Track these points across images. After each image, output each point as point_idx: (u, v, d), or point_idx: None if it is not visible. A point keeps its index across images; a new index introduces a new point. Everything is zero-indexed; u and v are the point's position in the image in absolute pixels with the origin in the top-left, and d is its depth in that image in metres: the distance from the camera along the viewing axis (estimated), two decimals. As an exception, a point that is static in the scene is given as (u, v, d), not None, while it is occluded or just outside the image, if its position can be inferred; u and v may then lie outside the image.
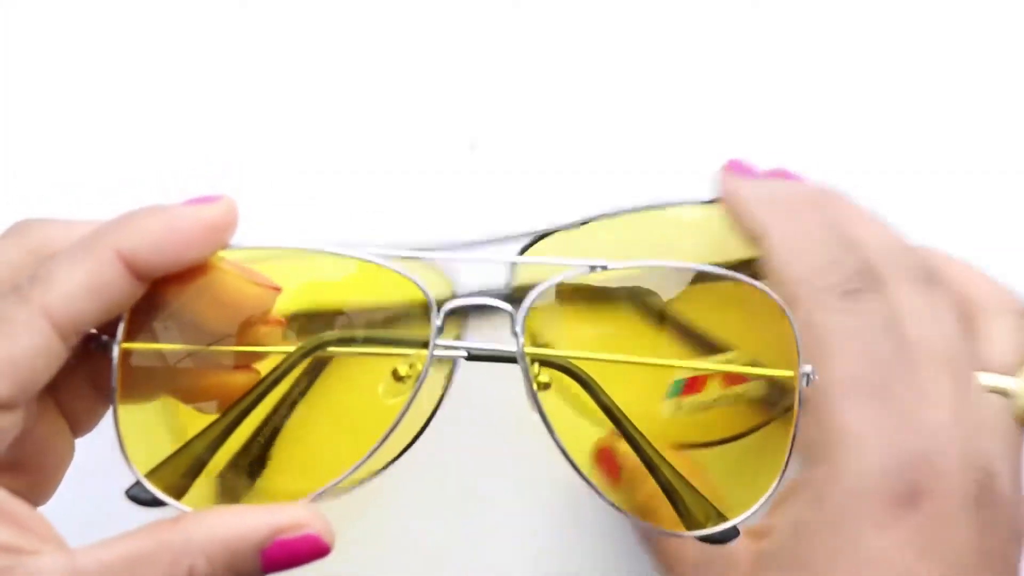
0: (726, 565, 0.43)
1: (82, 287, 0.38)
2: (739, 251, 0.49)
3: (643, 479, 0.44)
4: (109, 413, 0.42)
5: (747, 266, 0.49)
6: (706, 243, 0.50)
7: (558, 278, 0.43)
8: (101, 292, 0.39)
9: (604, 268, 0.44)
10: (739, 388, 0.46)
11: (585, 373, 0.44)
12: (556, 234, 0.50)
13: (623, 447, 0.44)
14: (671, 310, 0.45)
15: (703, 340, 0.46)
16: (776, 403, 0.45)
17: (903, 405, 0.41)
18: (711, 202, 0.49)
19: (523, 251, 0.50)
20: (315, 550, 0.39)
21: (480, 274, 0.49)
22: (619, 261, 0.44)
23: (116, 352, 0.41)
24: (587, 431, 0.45)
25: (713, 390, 0.46)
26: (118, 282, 0.39)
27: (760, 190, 0.46)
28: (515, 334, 0.42)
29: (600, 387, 0.44)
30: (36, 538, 0.37)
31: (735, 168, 0.47)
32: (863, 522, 0.40)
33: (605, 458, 0.46)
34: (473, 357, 0.43)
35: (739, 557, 0.43)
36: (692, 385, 0.46)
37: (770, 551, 0.42)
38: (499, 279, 0.50)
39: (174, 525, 0.38)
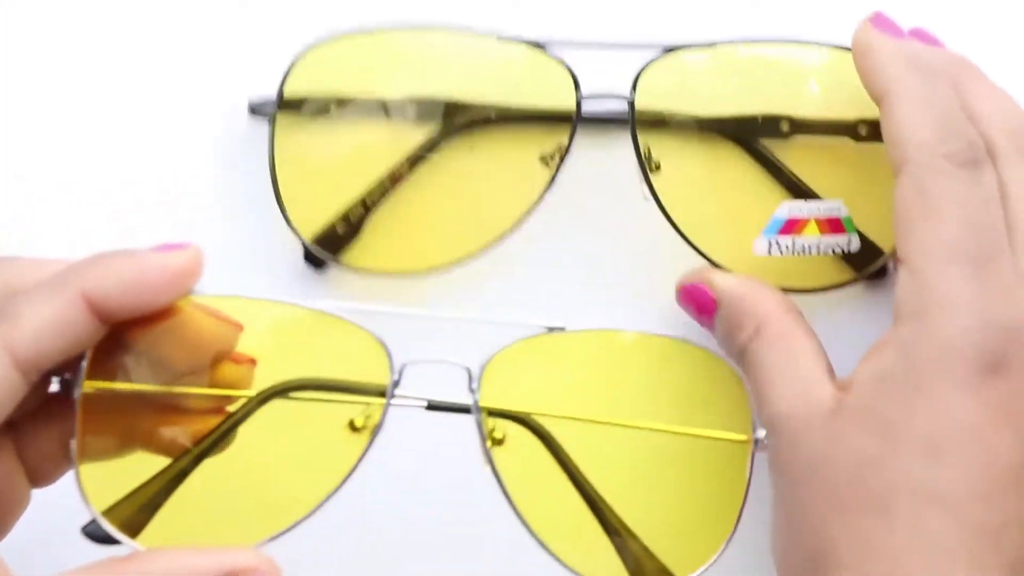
0: (809, 415, 0.42)
1: (47, 325, 0.38)
2: (856, 107, 0.50)
3: None
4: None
5: (862, 126, 0.50)
6: (827, 93, 0.51)
7: (514, 340, 0.44)
8: (65, 331, 0.38)
9: (562, 330, 0.44)
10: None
11: (544, 429, 0.44)
12: (682, 52, 0.50)
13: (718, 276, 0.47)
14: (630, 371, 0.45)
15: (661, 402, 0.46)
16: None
17: (1002, 277, 0.41)
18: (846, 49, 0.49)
19: (650, 64, 0.50)
20: None
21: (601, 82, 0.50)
22: (577, 325, 0.45)
23: (78, 392, 0.41)
24: (543, 489, 0.44)
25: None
26: (82, 323, 0.39)
27: (895, 47, 0.45)
28: (471, 391, 0.43)
29: (559, 444, 0.44)
30: None
31: (877, 22, 0.46)
32: (946, 381, 0.40)
33: (695, 294, 0.48)
34: (432, 407, 0.43)
35: (823, 407, 0.43)
36: None
37: (850, 402, 0.42)
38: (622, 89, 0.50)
39: (128, 563, 0.39)
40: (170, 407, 0.42)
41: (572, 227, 0.52)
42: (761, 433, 0.44)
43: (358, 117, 0.51)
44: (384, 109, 0.51)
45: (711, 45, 0.50)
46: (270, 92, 0.50)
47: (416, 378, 0.43)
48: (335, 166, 0.51)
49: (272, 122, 0.50)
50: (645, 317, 0.52)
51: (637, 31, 0.53)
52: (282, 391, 0.43)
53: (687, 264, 0.50)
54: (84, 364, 0.41)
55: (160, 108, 0.53)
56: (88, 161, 0.53)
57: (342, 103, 0.50)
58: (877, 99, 0.45)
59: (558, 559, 0.44)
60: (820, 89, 0.51)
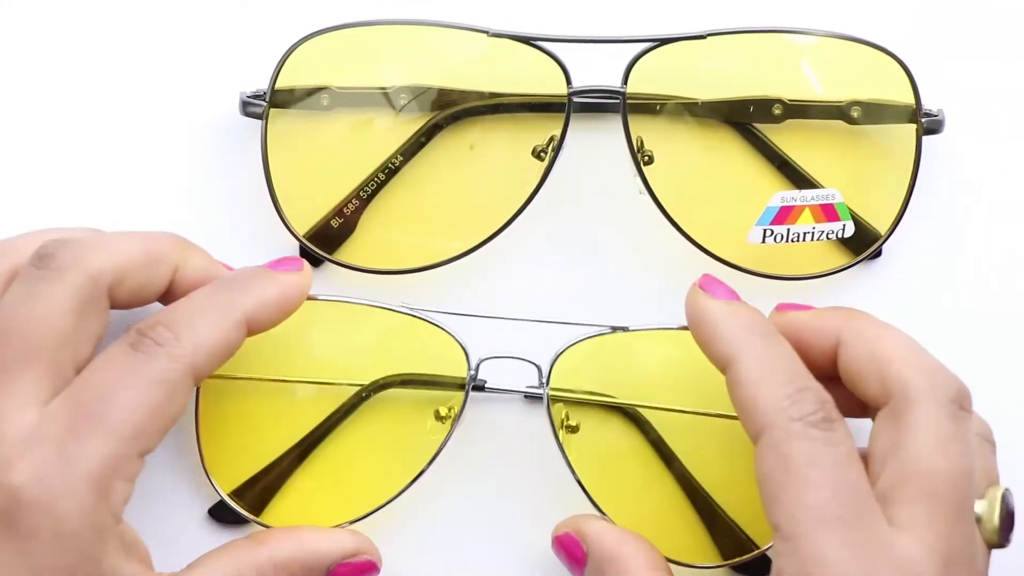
0: None
1: (218, 349, 0.43)
2: (848, 90, 0.51)
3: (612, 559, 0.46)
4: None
5: (855, 109, 0.51)
6: (819, 77, 0.51)
7: (578, 339, 0.48)
8: (229, 351, 0.43)
9: (625, 329, 0.48)
10: None
11: (636, 411, 0.48)
12: (672, 44, 0.50)
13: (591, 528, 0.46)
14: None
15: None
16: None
17: (875, 536, 0.40)
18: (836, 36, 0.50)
19: (641, 55, 0.50)
20: (370, 572, 0.46)
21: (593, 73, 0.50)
22: (641, 324, 0.48)
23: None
24: (617, 473, 0.48)
25: None
26: (239, 341, 0.44)
27: (728, 312, 0.44)
28: (542, 384, 0.47)
29: (651, 425, 0.48)
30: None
31: (706, 286, 0.45)
32: None
33: (567, 544, 0.47)
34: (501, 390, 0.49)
35: None
36: None
37: None
38: (614, 80, 0.50)
39: (256, 544, 0.44)
40: (282, 396, 0.47)
41: (567, 219, 0.52)
42: None
43: (349, 112, 0.51)
44: (376, 104, 0.51)
45: (701, 36, 0.50)
46: (262, 87, 0.50)
47: (490, 371, 0.48)
48: (328, 161, 0.51)
49: (264, 118, 0.50)
50: (643, 308, 0.52)
51: (627, 25, 0.52)
52: (384, 385, 0.48)
53: (684, 254, 0.51)
54: None
55: (154, 107, 0.53)
56: (83, 160, 0.52)
57: (334, 98, 0.50)
58: (722, 368, 0.43)
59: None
60: (811, 73, 0.51)
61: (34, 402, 0.40)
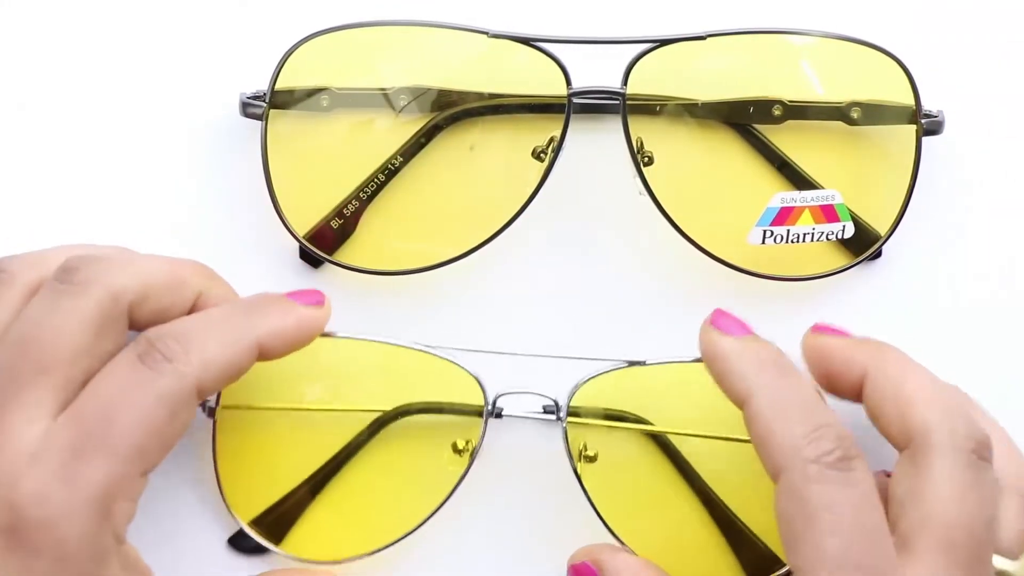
0: None
1: (227, 369, 0.42)
2: (847, 91, 0.51)
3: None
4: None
5: (854, 110, 0.51)
6: (818, 78, 0.51)
7: (592, 374, 0.48)
8: (237, 373, 0.43)
9: (643, 364, 0.48)
10: None
11: (664, 437, 0.48)
12: (672, 45, 0.50)
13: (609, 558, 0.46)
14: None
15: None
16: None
17: None
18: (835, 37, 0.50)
19: (641, 56, 0.50)
20: None
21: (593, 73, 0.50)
22: (657, 359, 0.48)
23: (215, 412, 0.47)
24: (635, 503, 0.48)
25: None
26: (248, 364, 0.43)
27: (742, 348, 0.44)
28: (559, 418, 0.47)
29: (676, 448, 0.48)
30: None
31: (718, 323, 0.45)
32: None
33: (583, 573, 0.46)
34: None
35: None
36: None
37: None
38: (614, 81, 0.50)
39: None
40: (300, 426, 0.48)
41: (567, 220, 0.52)
42: None
43: (349, 113, 0.51)
44: (375, 104, 0.51)
45: (701, 37, 0.50)
46: (262, 88, 0.50)
47: (507, 404, 0.48)
48: (328, 162, 0.51)
49: (264, 118, 0.50)
50: (643, 310, 0.52)
51: (627, 25, 0.52)
52: (402, 412, 0.48)
53: (684, 255, 0.51)
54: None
55: (154, 107, 0.53)
56: (83, 160, 0.52)
57: (334, 99, 0.50)
58: (739, 405, 0.43)
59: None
60: (811, 74, 0.51)
61: (43, 416, 0.40)
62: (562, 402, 0.48)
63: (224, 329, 0.43)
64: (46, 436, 0.40)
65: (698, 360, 0.45)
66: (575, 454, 0.47)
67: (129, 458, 0.40)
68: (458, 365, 0.48)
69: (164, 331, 0.42)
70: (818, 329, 0.46)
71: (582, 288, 0.52)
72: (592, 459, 0.48)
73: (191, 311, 0.45)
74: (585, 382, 0.48)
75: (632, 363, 0.48)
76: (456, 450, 0.48)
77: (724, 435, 0.47)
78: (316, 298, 0.45)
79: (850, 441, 0.41)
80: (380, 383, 0.48)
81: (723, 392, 0.44)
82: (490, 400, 0.47)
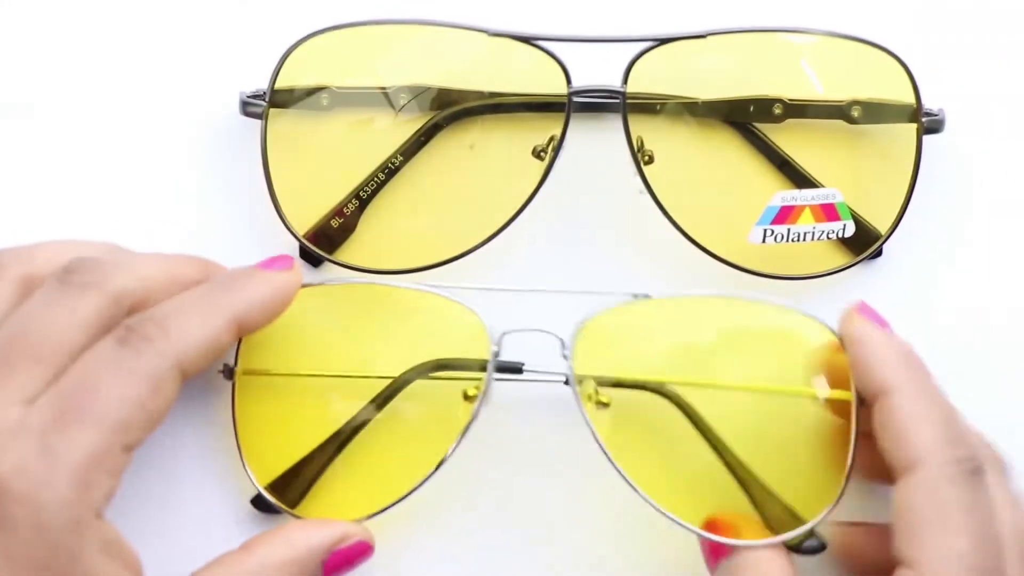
0: None
1: (205, 346, 0.43)
2: (848, 90, 0.51)
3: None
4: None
5: (855, 108, 0.51)
6: (819, 76, 0.51)
7: (599, 309, 0.47)
8: (217, 350, 0.44)
9: (647, 297, 0.47)
10: None
11: (670, 390, 0.47)
12: (673, 43, 0.50)
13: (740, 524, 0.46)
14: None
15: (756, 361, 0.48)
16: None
17: None
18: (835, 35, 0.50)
19: (641, 55, 0.50)
20: (363, 554, 0.46)
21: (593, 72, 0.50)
22: (663, 292, 0.48)
23: (234, 377, 0.48)
24: (652, 451, 0.48)
25: None
26: (228, 341, 0.44)
27: (887, 341, 0.45)
28: (564, 357, 0.46)
29: (687, 403, 0.47)
30: None
31: (864, 311, 0.46)
32: None
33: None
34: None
35: None
36: None
37: None
38: (614, 80, 0.50)
39: (246, 554, 0.44)
40: (316, 391, 0.48)
41: (567, 219, 0.52)
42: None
43: (349, 112, 0.51)
44: (375, 103, 0.51)
45: (701, 36, 0.50)
46: (262, 87, 0.50)
47: (514, 346, 0.47)
48: (328, 161, 0.51)
49: (264, 118, 0.50)
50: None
51: (627, 24, 0.52)
52: (414, 374, 0.48)
53: (684, 254, 0.50)
54: (236, 353, 0.48)
55: (154, 107, 0.53)
56: (83, 160, 0.52)
57: (333, 98, 0.50)
58: (875, 392, 0.44)
59: (668, 515, 0.46)
60: (811, 73, 0.51)
61: (26, 398, 0.40)
62: (568, 340, 0.47)
63: (201, 308, 0.43)
64: (27, 414, 0.40)
65: (707, 295, 0.46)
66: (585, 398, 0.47)
67: (111, 430, 0.40)
68: (462, 305, 0.48)
69: (143, 315, 0.43)
70: (864, 310, 0.47)
71: (582, 287, 0.52)
72: (605, 405, 0.47)
73: None
74: (590, 318, 0.47)
75: (637, 295, 0.48)
76: (466, 397, 0.48)
77: (735, 380, 0.48)
78: (285, 263, 0.46)
79: (987, 451, 0.43)
80: (388, 335, 0.49)
81: (860, 380, 0.45)
82: (495, 339, 0.47)
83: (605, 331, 0.47)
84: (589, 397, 0.47)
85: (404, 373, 0.48)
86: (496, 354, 0.47)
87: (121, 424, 0.40)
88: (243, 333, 0.45)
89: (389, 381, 0.48)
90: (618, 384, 0.47)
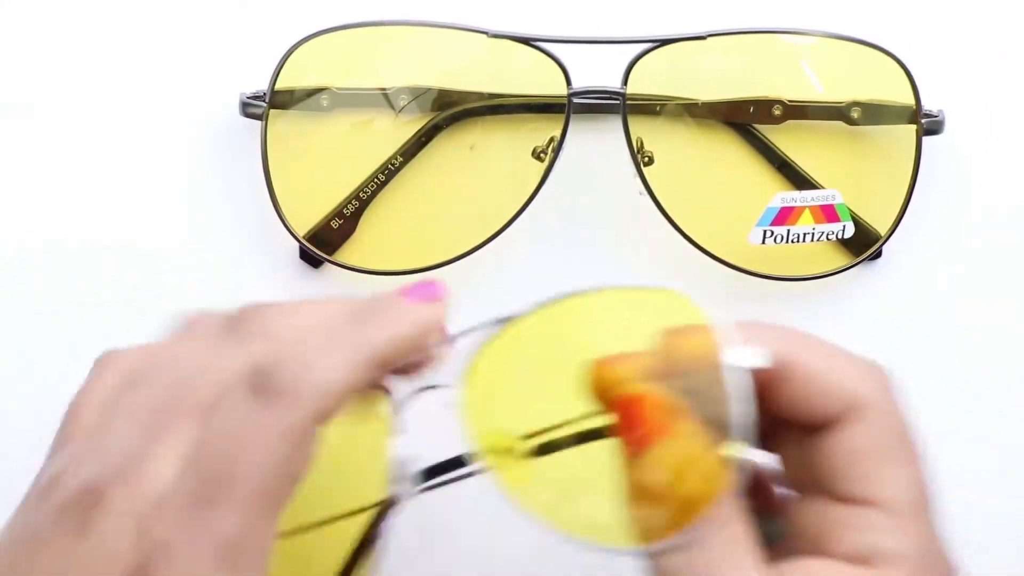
0: None
1: (346, 394, 0.37)
2: (848, 91, 0.51)
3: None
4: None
5: (854, 110, 0.51)
6: (818, 78, 0.51)
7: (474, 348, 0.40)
8: (357, 392, 0.37)
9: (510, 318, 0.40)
10: None
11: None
12: (672, 45, 0.50)
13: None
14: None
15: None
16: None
17: None
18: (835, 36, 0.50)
19: (641, 56, 0.50)
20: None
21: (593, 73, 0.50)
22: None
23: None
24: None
25: None
26: (367, 383, 0.38)
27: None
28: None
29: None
30: None
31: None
32: None
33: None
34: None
35: None
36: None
37: None
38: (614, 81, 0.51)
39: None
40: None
41: (567, 220, 0.52)
42: None
43: (349, 113, 0.51)
44: (375, 104, 0.51)
45: (701, 37, 0.50)
46: (262, 88, 0.50)
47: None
48: (328, 162, 0.51)
49: (264, 118, 0.50)
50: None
51: (627, 25, 0.52)
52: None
53: (684, 255, 0.51)
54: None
55: (154, 107, 0.53)
56: (83, 160, 0.52)
57: (333, 99, 0.50)
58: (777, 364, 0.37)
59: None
60: (811, 74, 0.51)
61: (179, 455, 0.36)
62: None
63: (339, 346, 0.37)
64: (175, 479, 0.36)
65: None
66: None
67: (256, 505, 0.35)
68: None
69: (275, 356, 0.37)
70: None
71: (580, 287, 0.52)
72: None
73: None
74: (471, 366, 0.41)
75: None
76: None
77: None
78: (432, 292, 0.40)
79: None
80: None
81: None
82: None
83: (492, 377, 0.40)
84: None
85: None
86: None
87: (266, 495, 0.35)
88: (383, 373, 0.39)
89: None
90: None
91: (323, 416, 0.36)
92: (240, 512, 0.35)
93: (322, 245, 0.50)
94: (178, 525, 0.35)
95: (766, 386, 0.37)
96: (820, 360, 0.38)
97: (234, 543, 0.35)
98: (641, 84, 0.50)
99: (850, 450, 0.37)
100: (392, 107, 0.51)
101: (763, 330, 0.38)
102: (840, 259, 0.52)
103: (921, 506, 0.38)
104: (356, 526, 0.40)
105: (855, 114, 0.51)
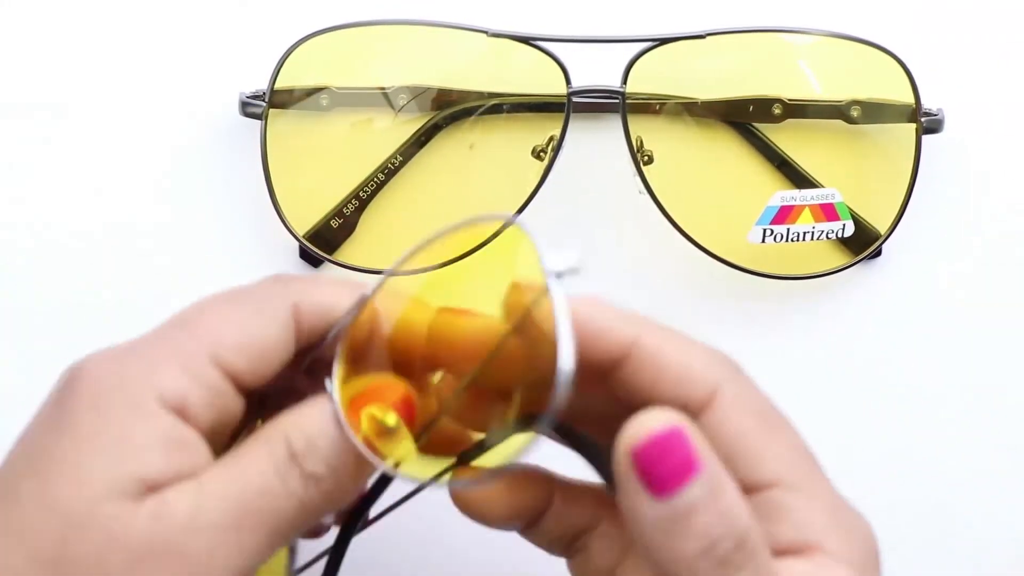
0: None
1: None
2: (847, 90, 0.51)
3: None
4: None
5: (854, 108, 0.51)
6: (818, 76, 0.51)
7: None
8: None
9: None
10: None
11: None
12: (672, 44, 0.50)
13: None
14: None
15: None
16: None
17: None
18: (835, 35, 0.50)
19: (640, 55, 0.50)
20: None
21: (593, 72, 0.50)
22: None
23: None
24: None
25: None
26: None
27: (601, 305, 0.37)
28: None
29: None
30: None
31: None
32: None
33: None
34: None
35: None
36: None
37: None
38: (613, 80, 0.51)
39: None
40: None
41: (567, 219, 0.52)
42: None
43: (349, 112, 0.51)
44: (375, 104, 0.51)
45: (701, 36, 0.50)
46: (262, 87, 0.50)
47: None
48: (328, 161, 0.51)
49: (264, 118, 0.50)
50: (643, 309, 0.51)
51: (627, 25, 0.52)
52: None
53: (684, 254, 0.51)
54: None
55: (154, 107, 0.53)
56: (82, 160, 0.52)
57: (333, 98, 0.50)
58: (618, 349, 0.36)
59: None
60: (811, 73, 0.51)
61: None
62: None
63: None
64: None
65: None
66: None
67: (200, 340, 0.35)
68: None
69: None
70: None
71: (581, 288, 0.52)
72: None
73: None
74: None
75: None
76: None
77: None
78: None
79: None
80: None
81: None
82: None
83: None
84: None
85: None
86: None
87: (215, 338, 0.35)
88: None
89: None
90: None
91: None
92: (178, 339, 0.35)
93: (322, 244, 0.50)
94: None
95: (619, 372, 0.36)
96: (671, 345, 0.36)
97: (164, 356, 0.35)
98: (641, 83, 0.50)
99: (722, 435, 0.35)
100: (392, 107, 0.51)
101: (611, 311, 0.37)
102: (840, 258, 0.52)
103: (814, 469, 0.36)
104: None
105: (855, 113, 0.51)
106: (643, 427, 0.32)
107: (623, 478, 0.33)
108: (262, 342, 0.36)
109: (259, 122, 0.50)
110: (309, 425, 0.35)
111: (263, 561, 0.35)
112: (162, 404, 0.34)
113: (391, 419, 0.35)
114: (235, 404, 0.36)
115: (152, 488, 0.33)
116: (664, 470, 0.32)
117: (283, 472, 0.34)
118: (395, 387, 0.37)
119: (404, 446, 0.36)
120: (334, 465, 0.35)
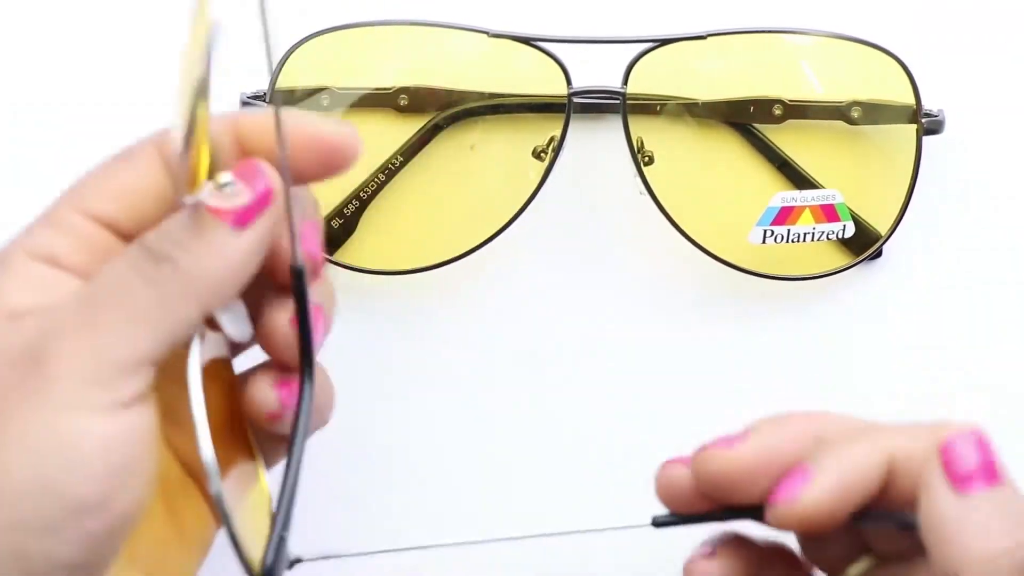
0: None
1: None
2: (848, 91, 0.51)
3: None
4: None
5: (855, 109, 0.51)
6: (819, 77, 0.51)
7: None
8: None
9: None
10: None
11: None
12: (672, 44, 0.50)
13: None
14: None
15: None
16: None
17: None
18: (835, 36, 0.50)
19: (641, 56, 0.50)
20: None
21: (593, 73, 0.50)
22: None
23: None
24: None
25: None
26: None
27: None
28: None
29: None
30: None
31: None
32: None
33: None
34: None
35: None
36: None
37: None
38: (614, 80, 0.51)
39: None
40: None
41: (567, 220, 0.52)
42: None
43: (349, 112, 0.51)
44: (375, 104, 0.51)
45: (701, 37, 0.50)
46: (262, 87, 0.50)
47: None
48: (328, 161, 0.51)
49: (264, 118, 0.50)
50: (643, 309, 0.52)
51: (627, 25, 0.52)
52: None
53: (684, 255, 0.51)
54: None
55: (153, 107, 0.53)
56: (82, 159, 0.51)
57: (333, 98, 0.50)
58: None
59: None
60: (811, 74, 0.51)
61: None
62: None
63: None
64: None
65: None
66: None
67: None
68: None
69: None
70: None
71: (581, 287, 0.52)
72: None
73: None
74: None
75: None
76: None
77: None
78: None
79: None
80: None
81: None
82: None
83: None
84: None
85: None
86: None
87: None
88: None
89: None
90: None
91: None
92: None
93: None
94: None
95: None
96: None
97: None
98: (641, 84, 0.50)
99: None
100: (392, 107, 0.51)
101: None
102: (840, 259, 0.52)
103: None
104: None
105: (855, 114, 0.51)
106: (950, 428, 0.35)
107: (928, 475, 0.34)
108: (124, 184, 0.40)
109: (259, 122, 0.50)
110: (164, 224, 0.37)
111: (152, 361, 0.35)
112: (31, 256, 0.38)
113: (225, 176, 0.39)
114: (116, 246, 0.38)
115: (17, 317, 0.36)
116: (969, 466, 0.35)
117: (137, 264, 0.36)
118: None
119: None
120: (184, 241, 0.37)
